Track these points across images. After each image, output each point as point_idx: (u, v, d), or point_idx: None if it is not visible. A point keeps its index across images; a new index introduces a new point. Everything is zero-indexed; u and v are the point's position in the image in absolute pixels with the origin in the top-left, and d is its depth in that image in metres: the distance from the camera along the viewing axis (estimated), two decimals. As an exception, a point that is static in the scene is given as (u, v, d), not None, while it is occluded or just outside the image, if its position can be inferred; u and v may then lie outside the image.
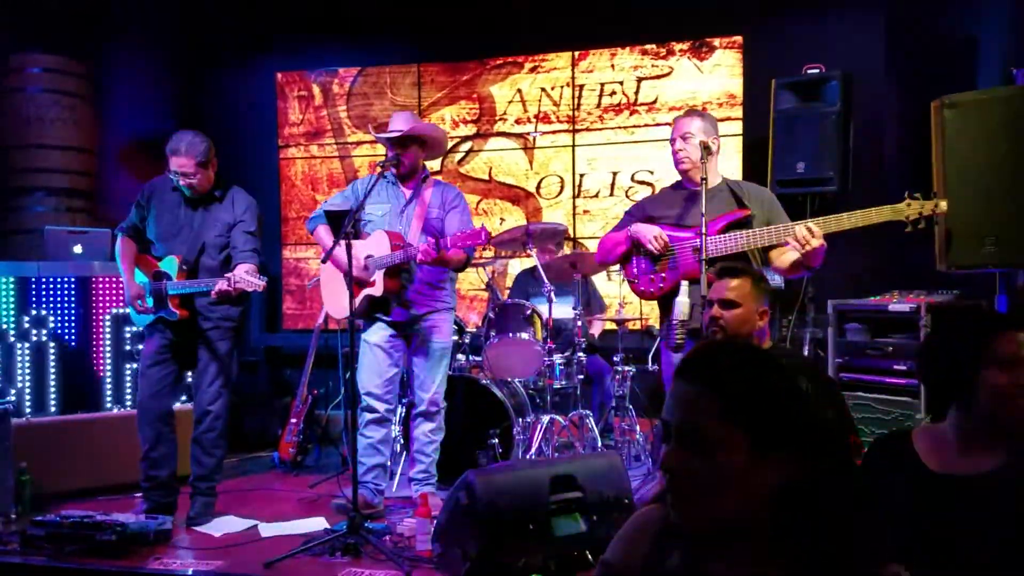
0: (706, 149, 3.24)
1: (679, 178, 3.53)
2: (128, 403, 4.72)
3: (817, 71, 4.86)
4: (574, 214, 6.08)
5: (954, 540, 1.73)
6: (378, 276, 3.81)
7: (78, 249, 4.93)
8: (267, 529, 3.71)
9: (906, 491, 1.81)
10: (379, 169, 3.83)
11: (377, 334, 3.97)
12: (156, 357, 3.83)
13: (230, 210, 3.85)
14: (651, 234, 3.36)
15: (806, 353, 4.67)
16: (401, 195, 4.00)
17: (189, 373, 4.14)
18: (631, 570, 1.26)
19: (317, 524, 3.76)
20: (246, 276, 3.57)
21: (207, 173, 3.77)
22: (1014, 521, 1.70)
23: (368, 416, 3.93)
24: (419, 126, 4.01)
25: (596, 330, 5.37)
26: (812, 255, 3.07)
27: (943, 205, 3.06)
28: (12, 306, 4.51)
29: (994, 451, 1.78)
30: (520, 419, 4.36)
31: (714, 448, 1.12)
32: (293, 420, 5.03)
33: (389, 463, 4.20)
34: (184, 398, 4.65)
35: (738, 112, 5.65)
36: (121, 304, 4.73)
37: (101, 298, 4.75)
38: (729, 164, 5.31)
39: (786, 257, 3.26)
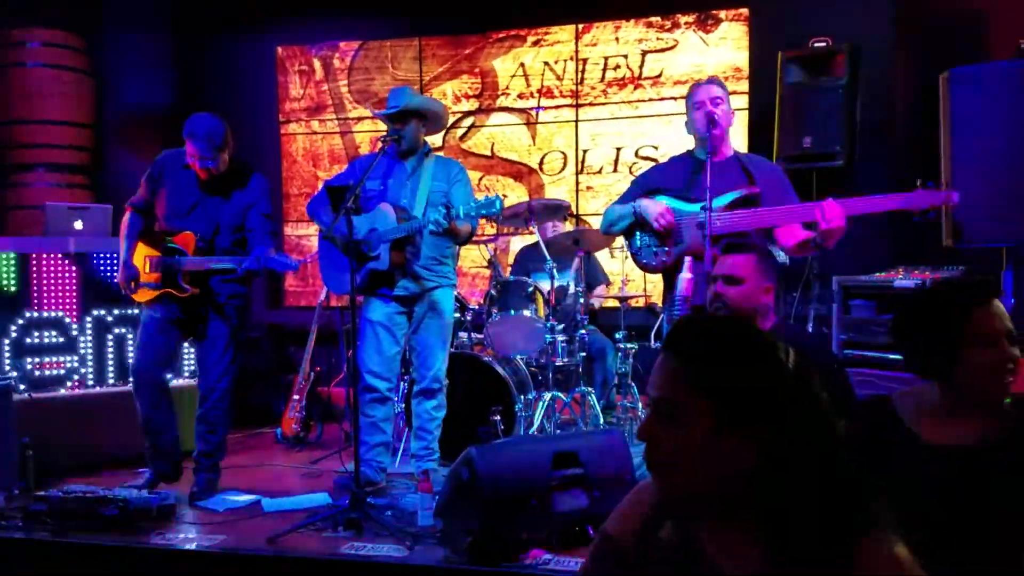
0: (711, 122, 3.20)
1: (689, 148, 3.50)
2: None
3: (824, 44, 4.80)
4: (577, 190, 6.04)
5: (944, 509, 1.73)
6: (383, 249, 3.79)
7: (79, 225, 4.90)
8: (270, 504, 3.72)
9: (896, 459, 1.81)
10: (380, 144, 3.79)
11: (379, 311, 3.94)
12: (159, 326, 3.82)
13: (246, 192, 3.82)
14: (656, 211, 3.32)
15: (810, 330, 4.65)
16: (404, 170, 3.97)
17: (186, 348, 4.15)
18: (626, 540, 1.28)
19: (320, 500, 3.76)
20: (277, 256, 3.63)
21: (224, 156, 3.73)
22: (1002, 492, 1.71)
23: (369, 395, 3.92)
24: (417, 100, 3.97)
25: (596, 303, 5.34)
26: (833, 234, 3.01)
27: (955, 196, 3.01)
28: (14, 283, 4.49)
29: (978, 421, 1.79)
30: (522, 396, 4.35)
31: (681, 419, 1.14)
32: (296, 396, 5.03)
33: (391, 440, 4.20)
34: (187, 374, 4.65)
35: (744, 86, 5.59)
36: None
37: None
38: (735, 139, 5.24)
39: (795, 235, 3.21)
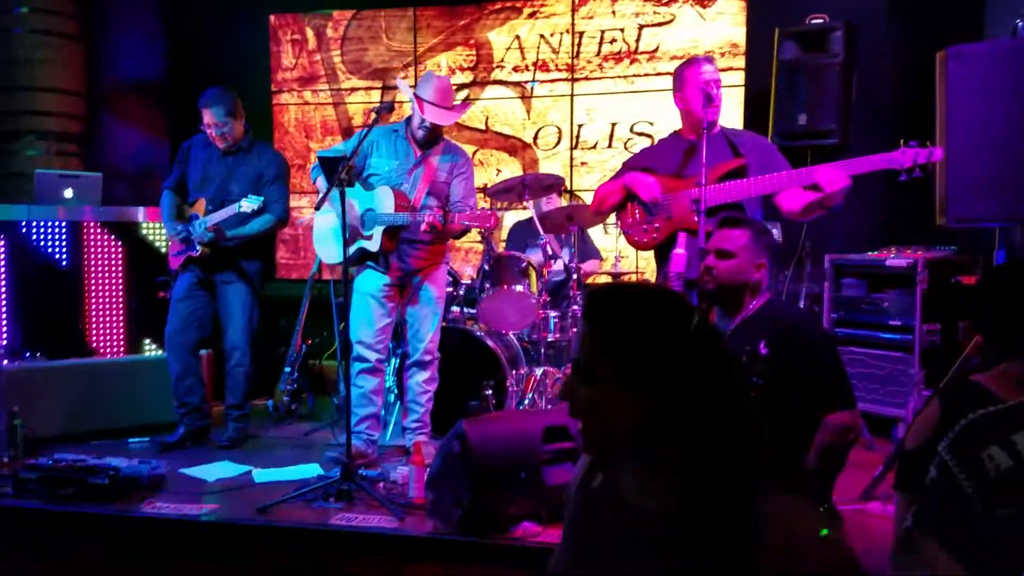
0: (706, 97, 3.18)
1: (676, 128, 3.49)
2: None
3: (821, 21, 4.77)
4: (571, 165, 6.01)
5: None
6: (377, 232, 3.79)
7: (68, 193, 4.87)
8: (261, 475, 3.73)
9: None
10: (374, 116, 3.75)
11: (370, 284, 3.95)
12: (186, 293, 4.24)
13: (256, 163, 4.23)
14: (644, 184, 3.33)
15: (801, 307, 4.66)
16: (412, 154, 3.94)
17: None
18: (570, 488, 1.43)
19: (311, 471, 3.77)
20: (248, 202, 3.99)
21: (237, 123, 4.16)
22: None
23: (360, 366, 3.93)
24: (463, 111, 4.07)
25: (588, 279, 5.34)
26: (837, 195, 3.03)
27: (938, 153, 3.02)
28: (1, 250, 4.47)
29: None
30: (514, 371, 4.36)
31: (592, 379, 1.25)
32: (287, 369, 5.04)
33: (382, 413, 4.21)
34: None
35: (740, 62, 5.55)
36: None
37: (92, 242, 4.71)
38: (730, 115, 5.23)
39: (800, 199, 3.20)
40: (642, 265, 5.36)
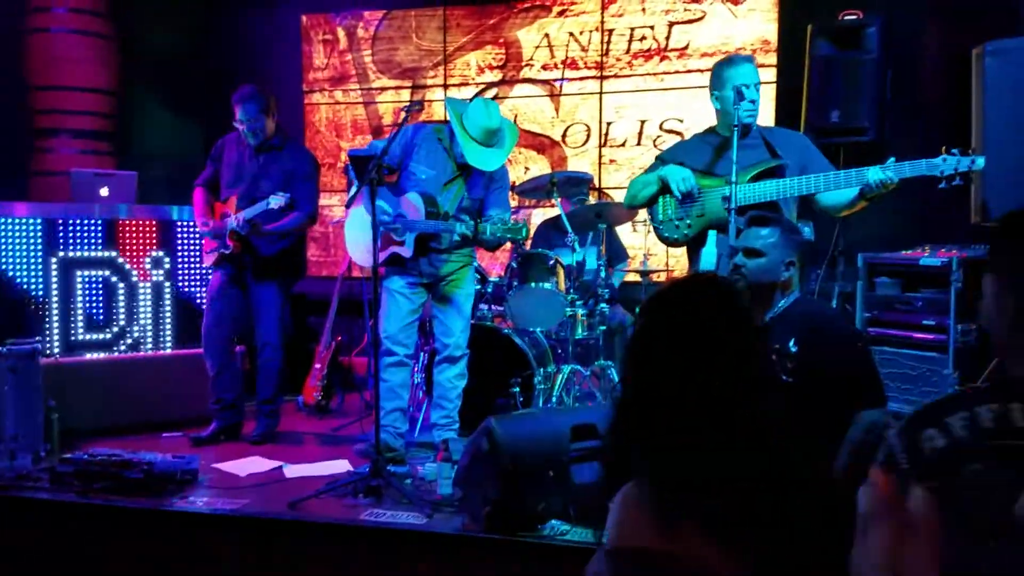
0: (739, 95, 3.16)
1: (711, 124, 3.47)
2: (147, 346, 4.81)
3: (855, 17, 4.71)
4: (600, 164, 6.00)
5: None
6: (410, 239, 3.84)
7: (104, 192, 4.94)
8: (292, 470, 3.76)
9: None
10: (404, 115, 3.77)
11: (398, 281, 3.99)
12: (220, 291, 4.29)
13: (287, 161, 4.26)
14: (679, 176, 3.31)
15: (831, 305, 4.60)
16: (450, 168, 3.96)
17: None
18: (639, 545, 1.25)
19: (340, 466, 3.81)
20: (276, 198, 4.00)
21: (269, 121, 4.20)
22: None
23: (387, 360, 3.96)
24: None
25: (616, 280, 5.32)
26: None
27: (980, 162, 2.98)
28: (39, 248, 4.54)
29: None
30: (541, 369, 4.36)
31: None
32: (317, 365, 5.08)
33: (411, 409, 4.23)
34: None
35: (772, 59, 5.50)
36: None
37: (129, 240, 4.79)
38: (762, 113, 5.16)
39: (848, 196, 3.19)
40: (672, 263, 5.33)
